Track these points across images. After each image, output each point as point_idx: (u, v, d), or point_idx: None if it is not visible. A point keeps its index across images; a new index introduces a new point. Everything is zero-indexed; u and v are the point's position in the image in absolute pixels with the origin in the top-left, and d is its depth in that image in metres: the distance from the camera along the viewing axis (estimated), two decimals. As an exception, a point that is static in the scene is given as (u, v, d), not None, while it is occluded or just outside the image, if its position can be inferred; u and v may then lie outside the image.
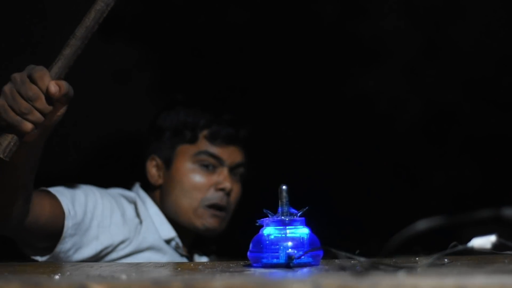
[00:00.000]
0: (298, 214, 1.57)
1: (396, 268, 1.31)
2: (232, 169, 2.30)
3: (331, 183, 4.52)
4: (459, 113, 4.79)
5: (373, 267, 1.32)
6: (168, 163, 2.27)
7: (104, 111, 4.83)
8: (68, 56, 1.58)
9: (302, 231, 1.56)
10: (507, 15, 4.65)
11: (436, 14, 4.77)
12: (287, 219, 1.56)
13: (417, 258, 1.56)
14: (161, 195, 2.27)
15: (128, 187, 2.31)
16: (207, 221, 2.23)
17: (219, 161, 2.28)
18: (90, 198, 2.02)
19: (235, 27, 4.79)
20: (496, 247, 1.40)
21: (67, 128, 4.89)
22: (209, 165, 2.26)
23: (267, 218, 1.58)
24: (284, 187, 1.58)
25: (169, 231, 2.22)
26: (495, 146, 4.62)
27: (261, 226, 1.58)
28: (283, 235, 1.55)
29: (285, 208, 1.57)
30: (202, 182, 2.24)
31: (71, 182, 2.08)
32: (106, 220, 2.05)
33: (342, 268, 1.41)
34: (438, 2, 4.77)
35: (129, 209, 2.17)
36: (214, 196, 2.24)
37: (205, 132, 2.29)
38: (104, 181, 2.26)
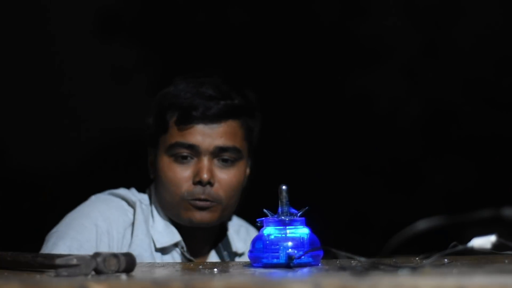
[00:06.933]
0: (298, 214, 1.57)
1: (396, 268, 1.31)
2: (216, 155, 2.03)
3: (331, 182, 4.52)
4: (458, 112, 4.79)
5: (373, 267, 1.32)
6: (155, 156, 2.09)
7: (104, 111, 4.82)
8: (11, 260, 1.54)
9: (302, 231, 1.55)
10: (506, 15, 4.65)
11: (436, 14, 4.78)
12: (287, 219, 1.56)
13: (417, 258, 1.56)
14: (154, 190, 2.12)
15: (128, 187, 2.23)
16: (192, 215, 2.02)
17: (193, 149, 2.02)
18: None
19: (235, 27, 4.79)
20: (496, 247, 1.40)
21: (67, 127, 4.91)
22: (187, 156, 2.03)
23: (267, 218, 1.58)
24: (284, 187, 1.58)
25: (173, 236, 2.06)
26: (494, 146, 4.63)
27: (261, 226, 1.58)
28: (283, 235, 1.55)
29: (285, 208, 1.57)
30: (178, 177, 2.01)
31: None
32: None
33: (342, 268, 1.41)
34: (437, 2, 4.77)
35: (116, 243, 2.02)
36: (193, 191, 2.01)
37: (174, 117, 2.05)
38: (103, 181, 2.24)
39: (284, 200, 1.57)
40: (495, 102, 4.68)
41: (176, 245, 2.08)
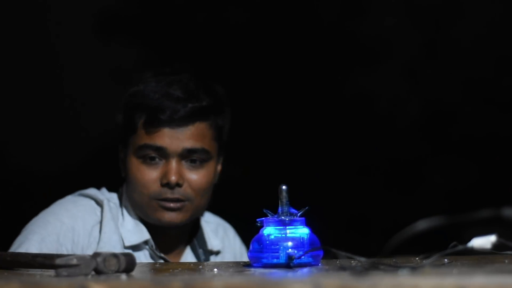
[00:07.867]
0: (298, 214, 1.57)
1: (396, 268, 1.31)
2: (184, 157, 2.04)
3: (331, 183, 4.52)
4: (458, 112, 4.79)
5: (373, 267, 1.32)
6: (126, 155, 2.12)
7: (104, 111, 4.82)
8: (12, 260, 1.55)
9: (302, 231, 1.56)
10: (507, 15, 4.65)
11: (435, 14, 4.77)
12: (287, 219, 1.56)
13: (417, 258, 1.56)
14: (125, 189, 2.14)
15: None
16: (160, 215, 2.04)
17: (161, 151, 2.03)
18: None
19: (234, 26, 4.79)
20: (496, 247, 1.40)
21: (67, 128, 4.91)
22: (155, 157, 2.04)
23: (267, 218, 1.58)
24: (284, 187, 1.58)
25: (142, 234, 2.07)
26: (494, 146, 4.62)
27: (261, 226, 1.58)
28: (283, 235, 1.55)
29: (285, 208, 1.57)
30: (146, 178, 2.04)
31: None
32: None
33: (342, 268, 1.41)
34: (438, 2, 4.77)
35: (83, 239, 2.03)
36: (160, 192, 2.03)
37: (142, 119, 2.06)
38: (104, 181, 2.24)
39: (284, 200, 1.57)
40: (495, 102, 4.68)
41: (146, 243, 2.08)
